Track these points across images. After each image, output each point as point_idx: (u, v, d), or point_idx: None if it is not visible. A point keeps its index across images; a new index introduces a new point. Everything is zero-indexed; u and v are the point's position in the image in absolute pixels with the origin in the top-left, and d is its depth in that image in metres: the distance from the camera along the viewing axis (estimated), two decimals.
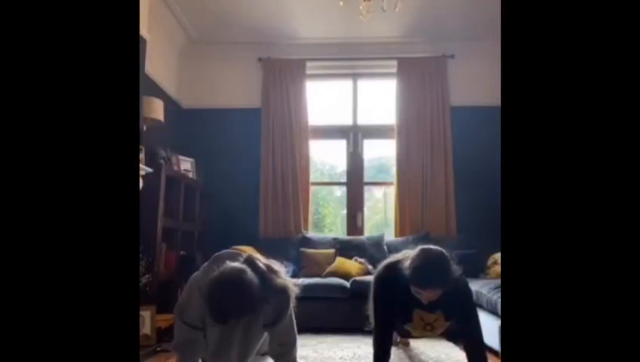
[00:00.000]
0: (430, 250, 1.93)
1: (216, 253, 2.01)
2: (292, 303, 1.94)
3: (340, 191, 5.27)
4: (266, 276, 1.80)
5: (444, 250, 1.94)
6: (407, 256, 2.04)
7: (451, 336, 2.27)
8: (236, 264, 1.78)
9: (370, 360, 2.20)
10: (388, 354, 2.10)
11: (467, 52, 4.84)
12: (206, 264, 1.97)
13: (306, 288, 3.64)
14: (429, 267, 1.85)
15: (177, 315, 1.92)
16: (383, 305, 2.13)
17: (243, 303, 1.67)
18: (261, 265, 1.85)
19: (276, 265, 1.94)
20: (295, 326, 2.02)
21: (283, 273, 1.94)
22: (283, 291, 1.86)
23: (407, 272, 1.90)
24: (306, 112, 4.86)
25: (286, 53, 4.93)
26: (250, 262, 1.82)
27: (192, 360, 1.92)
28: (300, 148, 4.79)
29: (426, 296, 1.89)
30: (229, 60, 5.02)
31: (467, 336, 2.09)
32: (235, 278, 1.69)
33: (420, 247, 1.97)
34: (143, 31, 3.37)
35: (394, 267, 2.07)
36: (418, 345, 2.99)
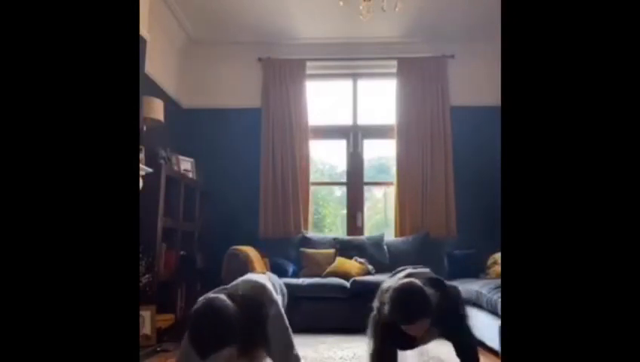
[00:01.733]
0: (403, 287, 1.85)
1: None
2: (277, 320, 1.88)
3: (340, 191, 5.28)
4: (244, 304, 1.74)
5: (416, 281, 1.87)
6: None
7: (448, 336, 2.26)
8: (212, 296, 1.72)
9: None
10: None
11: (467, 52, 4.84)
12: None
13: (306, 288, 3.67)
14: (408, 304, 1.80)
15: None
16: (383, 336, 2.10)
17: (215, 335, 1.58)
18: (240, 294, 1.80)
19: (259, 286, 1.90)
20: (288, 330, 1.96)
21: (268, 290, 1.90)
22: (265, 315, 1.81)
23: (389, 314, 1.84)
24: (306, 112, 4.86)
25: (286, 53, 4.94)
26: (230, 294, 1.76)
27: None
28: (300, 149, 4.79)
29: (414, 331, 1.86)
30: (229, 60, 5.02)
31: (458, 343, 2.08)
32: (207, 310, 1.63)
33: (393, 287, 1.89)
34: (143, 31, 3.37)
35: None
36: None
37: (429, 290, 1.84)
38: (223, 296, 1.71)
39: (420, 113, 4.76)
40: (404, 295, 1.83)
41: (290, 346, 1.94)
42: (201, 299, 1.72)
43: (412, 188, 4.66)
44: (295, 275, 4.05)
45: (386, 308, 1.86)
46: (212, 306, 1.64)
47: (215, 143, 4.85)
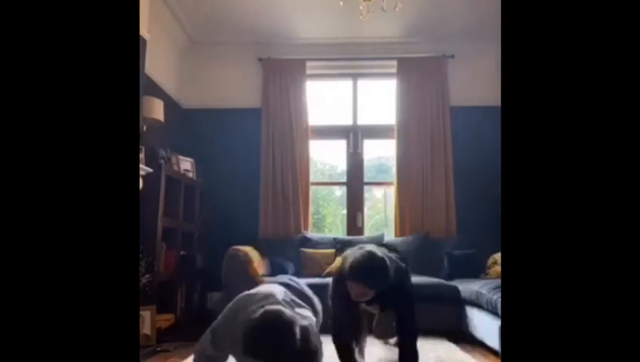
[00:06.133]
0: (366, 251, 2.01)
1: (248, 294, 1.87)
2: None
3: (340, 191, 5.28)
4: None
5: (382, 255, 1.99)
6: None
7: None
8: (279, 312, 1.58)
9: (372, 359, 2.20)
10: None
11: (467, 52, 4.84)
12: (248, 294, 1.85)
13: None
14: (360, 265, 1.94)
15: (210, 335, 1.83)
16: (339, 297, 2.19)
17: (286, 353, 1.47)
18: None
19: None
20: None
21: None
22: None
23: (341, 267, 2.05)
24: (306, 112, 4.86)
25: (286, 53, 4.93)
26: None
27: None
28: (300, 148, 4.78)
29: (355, 291, 1.93)
30: (229, 60, 5.01)
31: (400, 328, 2.13)
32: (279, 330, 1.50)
33: (361, 248, 2.07)
34: (143, 31, 3.37)
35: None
36: (418, 345, 2.98)
37: (382, 263, 1.96)
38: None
39: (420, 113, 4.76)
40: (360, 257, 1.97)
41: None
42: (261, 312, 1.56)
43: (412, 188, 4.66)
44: (295, 275, 4.04)
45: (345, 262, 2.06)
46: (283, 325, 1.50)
47: (215, 143, 4.85)
